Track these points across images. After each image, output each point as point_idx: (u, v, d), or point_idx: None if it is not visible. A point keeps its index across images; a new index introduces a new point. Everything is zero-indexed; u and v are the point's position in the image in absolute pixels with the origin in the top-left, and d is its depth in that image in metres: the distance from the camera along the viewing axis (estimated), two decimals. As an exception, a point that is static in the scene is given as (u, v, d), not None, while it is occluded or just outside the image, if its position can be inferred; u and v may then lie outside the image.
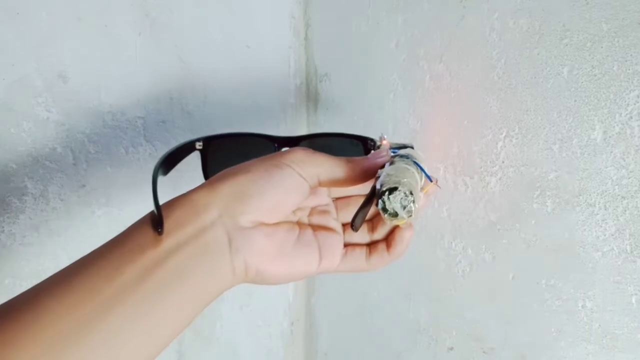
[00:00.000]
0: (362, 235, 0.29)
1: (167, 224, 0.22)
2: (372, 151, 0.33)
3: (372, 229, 0.29)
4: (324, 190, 0.29)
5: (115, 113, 0.40)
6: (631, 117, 0.28)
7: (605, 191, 0.30)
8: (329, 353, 0.57)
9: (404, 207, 0.23)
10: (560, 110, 0.31)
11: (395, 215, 0.23)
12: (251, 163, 0.26)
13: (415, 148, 0.31)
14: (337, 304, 0.55)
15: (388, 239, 0.28)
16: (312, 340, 0.60)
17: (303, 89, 0.55)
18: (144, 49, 0.41)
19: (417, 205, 0.23)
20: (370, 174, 0.27)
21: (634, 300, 0.29)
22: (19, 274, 0.36)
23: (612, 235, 0.30)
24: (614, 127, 0.29)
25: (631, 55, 0.28)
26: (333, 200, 0.30)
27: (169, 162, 0.30)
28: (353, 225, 0.26)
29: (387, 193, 0.23)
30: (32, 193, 0.36)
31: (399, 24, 0.42)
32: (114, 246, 0.22)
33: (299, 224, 0.28)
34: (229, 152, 0.33)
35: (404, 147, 0.31)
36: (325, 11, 0.51)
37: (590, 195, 0.30)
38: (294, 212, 0.28)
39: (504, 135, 0.35)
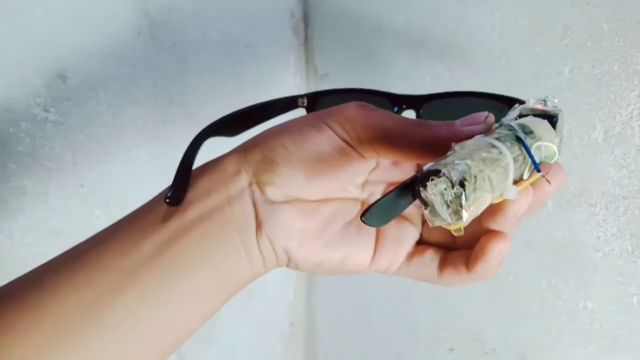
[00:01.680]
0: (445, 234, 0.21)
1: (191, 193, 0.19)
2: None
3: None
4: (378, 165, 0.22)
5: (114, 112, 0.40)
6: (632, 117, 0.28)
7: (606, 191, 0.30)
8: (329, 354, 0.57)
9: (448, 205, 0.15)
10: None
11: (434, 213, 0.16)
12: (291, 121, 0.21)
13: (562, 118, 0.20)
14: (337, 305, 0.55)
15: (475, 249, 0.19)
16: (312, 341, 0.60)
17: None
18: (143, 48, 0.40)
19: (472, 204, 0.15)
20: (448, 146, 0.17)
21: (635, 301, 0.29)
22: (18, 274, 0.36)
23: (613, 235, 0.30)
24: (614, 127, 0.29)
25: (632, 54, 0.28)
26: None
27: (241, 120, 0.25)
28: (362, 214, 0.17)
29: (425, 180, 0.15)
30: (31, 193, 0.36)
31: (400, 23, 0.42)
32: (133, 219, 0.20)
33: (366, 203, 0.22)
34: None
35: (545, 115, 0.20)
36: (325, 10, 0.51)
37: (591, 195, 0.30)
38: (361, 186, 0.22)
39: (504, 135, 0.35)
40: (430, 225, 0.17)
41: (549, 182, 0.18)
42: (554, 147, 0.18)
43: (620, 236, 0.29)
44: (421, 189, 0.15)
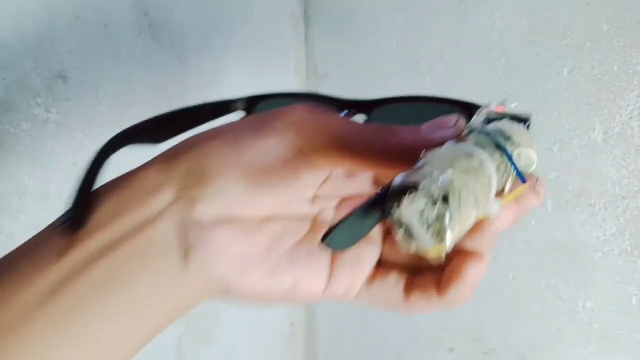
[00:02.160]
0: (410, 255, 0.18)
1: (96, 216, 0.16)
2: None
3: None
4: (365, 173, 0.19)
5: (114, 113, 0.40)
6: (631, 117, 0.28)
7: (606, 191, 0.30)
8: (328, 354, 0.57)
9: (429, 226, 0.13)
10: (560, 111, 0.31)
11: (411, 236, 0.13)
12: (226, 124, 0.17)
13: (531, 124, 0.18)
14: (337, 304, 0.55)
15: (445, 273, 0.17)
16: (312, 341, 0.60)
17: (303, 88, 0.55)
18: (143, 49, 0.40)
19: (457, 224, 0.12)
20: (416, 154, 0.15)
21: (634, 300, 0.29)
22: (18, 274, 0.36)
23: (613, 235, 0.30)
24: (614, 127, 0.29)
25: (631, 55, 0.28)
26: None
27: (165, 125, 0.21)
28: (323, 237, 0.14)
29: (398, 196, 0.13)
30: (31, 193, 0.36)
31: (400, 23, 0.42)
32: (22, 253, 0.16)
33: (317, 220, 0.19)
34: None
35: (518, 119, 0.18)
36: (325, 10, 0.51)
37: (590, 195, 0.30)
38: (311, 200, 0.19)
39: (504, 135, 0.35)
40: (403, 251, 0.14)
41: (537, 194, 0.16)
42: (534, 154, 0.16)
43: (620, 236, 0.29)
44: (394, 206, 0.13)
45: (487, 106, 0.19)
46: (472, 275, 0.16)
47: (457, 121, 0.16)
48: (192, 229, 0.16)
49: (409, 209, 0.13)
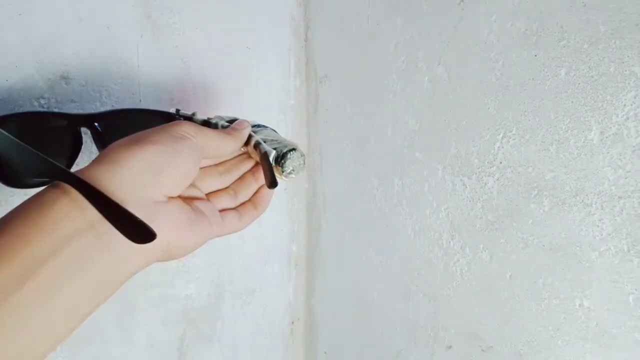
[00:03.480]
0: (228, 200, 0.31)
1: (66, 201, 0.20)
2: (220, 124, 0.33)
3: (235, 194, 0.31)
4: None
5: (117, 114, 0.40)
6: (628, 118, 0.28)
7: (602, 191, 0.30)
8: (328, 352, 0.57)
9: (300, 165, 0.29)
10: (558, 111, 0.31)
11: (292, 172, 0.29)
12: (151, 133, 0.24)
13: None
14: (337, 303, 0.55)
15: (253, 199, 0.31)
16: (312, 339, 0.60)
17: (303, 90, 0.55)
18: (145, 50, 0.41)
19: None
20: (242, 144, 0.30)
21: (631, 299, 0.29)
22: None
23: (609, 234, 0.30)
24: (610, 127, 0.29)
25: (628, 56, 0.28)
26: None
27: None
28: (272, 184, 0.28)
29: (288, 154, 0.28)
30: (34, 192, 0.37)
31: (398, 26, 0.42)
32: (19, 218, 0.19)
33: (181, 198, 0.27)
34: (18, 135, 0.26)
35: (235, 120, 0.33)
36: (325, 13, 0.52)
37: (587, 195, 0.31)
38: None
39: (501, 136, 0.35)
40: (283, 179, 0.30)
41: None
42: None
43: (616, 235, 0.30)
44: (287, 158, 0.29)
45: (183, 113, 0.35)
46: (270, 194, 0.32)
47: (248, 122, 0.31)
48: (154, 208, 0.23)
49: (292, 158, 0.29)
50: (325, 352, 0.58)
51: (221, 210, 0.30)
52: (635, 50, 0.28)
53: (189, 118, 0.34)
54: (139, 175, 0.22)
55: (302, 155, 0.29)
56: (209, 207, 0.28)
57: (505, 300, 0.36)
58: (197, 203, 0.28)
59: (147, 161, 0.23)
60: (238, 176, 0.32)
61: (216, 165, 0.32)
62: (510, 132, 0.34)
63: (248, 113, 0.50)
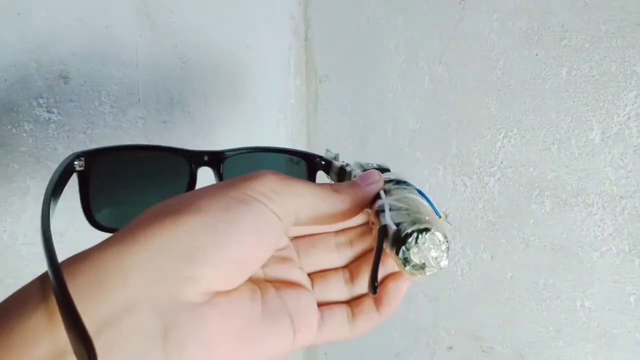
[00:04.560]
0: (339, 288, 0.21)
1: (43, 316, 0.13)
2: (354, 174, 0.24)
3: (352, 279, 0.21)
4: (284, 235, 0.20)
5: (116, 113, 0.40)
6: (629, 118, 0.28)
7: (604, 191, 0.30)
8: (328, 352, 0.57)
9: (437, 258, 0.17)
10: (559, 111, 0.31)
11: (422, 267, 0.17)
12: (203, 194, 0.16)
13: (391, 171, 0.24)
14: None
15: (378, 294, 0.20)
16: (312, 339, 0.60)
17: (303, 89, 0.55)
18: (144, 50, 0.41)
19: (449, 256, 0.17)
20: (363, 206, 0.20)
21: (632, 300, 0.29)
22: (21, 274, 0.36)
23: (611, 235, 0.30)
24: (612, 127, 0.29)
25: (629, 55, 0.28)
26: (291, 240, 0.21)
27: (55, 193, 0.19)
28: (373, 290, 0.17)
29: (415, 236, 0.17)
30: (33, 193, 0.37)
31: (399, 25, 0.42)
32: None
33: (255, 281, 0.18)
34: (124, 176, 0.23)
35: (380, 169, 0.23)
36: (325, 12, 0.51)
37: (588, 195, 0.31)
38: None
39: (502, 135, 0.35)
40: (409, 277, 0.18)
41: (449, 223, 0.24)
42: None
43: (618, 236, 0.29)
44: (412, 246, 0.17)
45: (332, 154, 0.25)
46: (405, 290, 0.20)
47: (379, 175, 0.21)
48: (177, 316, 0.14)
49: (423, 245, 0.17)
50: (325, 353, 0.58)
51: (325, 304, 0.20)
52: (637, 49, 0.28)
53: (329, 163, 0.26)
54: (159, 262, 0.14)
55: (444, 242, 0.17)
56: (302, 300, 0.19)
57: (506, 300, 0.36)
58: (283, 292, 0.18)
59: (178, 241, 0.15)
60: (361, 252, 0.22)
61: (335, 232, 0.22)
62: (512, 131, 0.34)
63: (247, 112, 0.49)
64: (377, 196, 0.20)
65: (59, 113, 0.37)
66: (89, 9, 0.37)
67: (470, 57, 0.36)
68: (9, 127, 0.35)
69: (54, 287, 0.13)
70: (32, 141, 0.36)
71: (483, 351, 0.38)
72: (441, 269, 0.17)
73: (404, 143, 0.43)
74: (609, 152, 0.29)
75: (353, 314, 0.20)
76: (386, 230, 0.18)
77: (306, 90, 0.55)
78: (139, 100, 0.41)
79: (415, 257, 0.17)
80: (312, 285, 0.21)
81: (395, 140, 0.43)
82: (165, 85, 0.43)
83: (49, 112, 0.37)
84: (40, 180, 0.37)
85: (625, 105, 0.28)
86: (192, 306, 0.15)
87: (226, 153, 0.26)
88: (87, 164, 0.22)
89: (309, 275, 0.21)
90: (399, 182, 0.21)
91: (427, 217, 0.18)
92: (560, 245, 0.32)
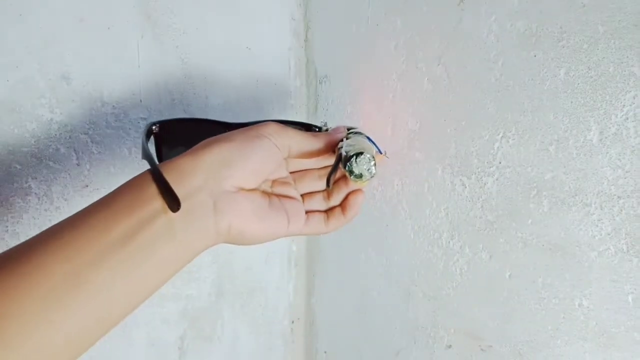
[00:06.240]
0: (320, 202, 0.33)
1: (154, 188, 0.24)
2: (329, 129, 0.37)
3: (328, 196, 0.33)
4: (283, 164, 0.32)
5: (117, 114, 0.40)
6: (627, 118, 0.28)
7: (602, 191, 0.30)
8: (328, 351, 0.57)
9: (368, 170, 0.29)
10: (557, 112, 0.32)
11: (360, 176, 0.29)
12: (232, 133, 0.28)
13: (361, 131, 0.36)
14: (337, 302, 0.55)
15: (343, 204, 0.33)
16: (312, 338, 0.60)
17: (303, 90, 0.55)
18: (146, 51, 0.41)
19: (376, 169, 0.29)
20: (332, 146, 0.32)
21: (630, 299, 0.29)
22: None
23: (609, 234, 0.30)
24: (610, 128, 0.29)
25: (627, 56, 0.28)
26: (290, 173, 0.33)
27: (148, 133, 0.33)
28: (327, 185, 0.30)
29: (354, 157, 0.29)
30: (35, 193, 0.37)
31: (398, 26, 0.42)
32: (105, 204, 0.24)
33: (266, 193, 0.30)
34: (182, 137, 0.35)
35: (353, 129, 0.35)
36: (325, 13, 0.52)
37: (586, 195, 0.31)
38: (262, 182, 0.30)
39: (500, 136, 0.35)
40: (352, 185, 0.33)
41: (388, 157, 0.39)
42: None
43: (616, 235, 0.30)
44: (353, 162, 0.29)
45: (321, 126, 0.39)
46: (360, 200, 0.33)
47: (343, 128, 0.34)
48: (221, 196, 0.26)
49: (359, 162, 0.29)
50: (325, 352, 0.58)
51: (310, 211, 0.32)
52: (635, 50, 0.28)
53: (320, 129, 0.39)
54: (210, 167, 0.26)
55: (371, 160, 0.29)
56: (294, 206, 0.31)
57: (504, 299, 0.36)
58: (283, 200, 0.30)
59: (220, 155, 0.26)
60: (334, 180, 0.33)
61: (319, 169, 0.34)
62: (510, 132, 0.34)
63: (247, 113, 0.50)
64: (341, 141, 0.32)
65: (61, 113, 0.37)
66: (91, 10, 0.38)
67: (469, 58, 0.36)
68: (11, 127, 0.35)
69: (155, 172, 0.25)
70: (35, 141, 0.36)
71: (482, 350, 0.38)
72: (372, 176, 0.29)
73: (403, 143, 0.43)
74: (607, 153, 0.29)
75: (328, 218, 0.33)
76: (340, 155, 0.30)
77: (306, 91, 0.55)
78: (141, 101, 0.41)
79: (355, 169, 0.29)
80: (303, 200, 0.33)
81: (395, 140, 0.44)
82: (167, 86, 0.43)
83: (51, 112, 0.37)
84: (42, 180, 0.37)
85: (623, 105, 0.28)
86: (228, 193, 0.26)
87: (251, 124, 0.35)
88: (160, 129, 0.34)
89: (302, 195, 0.33)
90: (357, 133, 0.34)
91: (364, 148, 0.29)
92: (558, 245, 0.33)
